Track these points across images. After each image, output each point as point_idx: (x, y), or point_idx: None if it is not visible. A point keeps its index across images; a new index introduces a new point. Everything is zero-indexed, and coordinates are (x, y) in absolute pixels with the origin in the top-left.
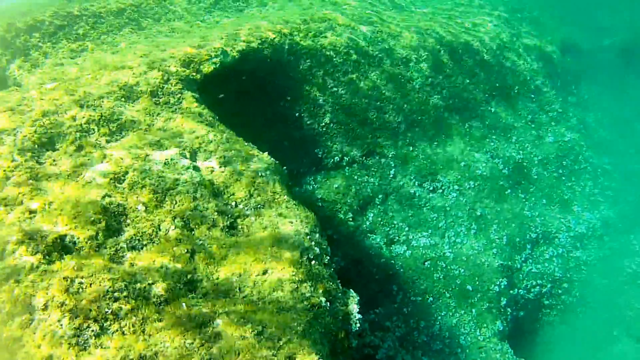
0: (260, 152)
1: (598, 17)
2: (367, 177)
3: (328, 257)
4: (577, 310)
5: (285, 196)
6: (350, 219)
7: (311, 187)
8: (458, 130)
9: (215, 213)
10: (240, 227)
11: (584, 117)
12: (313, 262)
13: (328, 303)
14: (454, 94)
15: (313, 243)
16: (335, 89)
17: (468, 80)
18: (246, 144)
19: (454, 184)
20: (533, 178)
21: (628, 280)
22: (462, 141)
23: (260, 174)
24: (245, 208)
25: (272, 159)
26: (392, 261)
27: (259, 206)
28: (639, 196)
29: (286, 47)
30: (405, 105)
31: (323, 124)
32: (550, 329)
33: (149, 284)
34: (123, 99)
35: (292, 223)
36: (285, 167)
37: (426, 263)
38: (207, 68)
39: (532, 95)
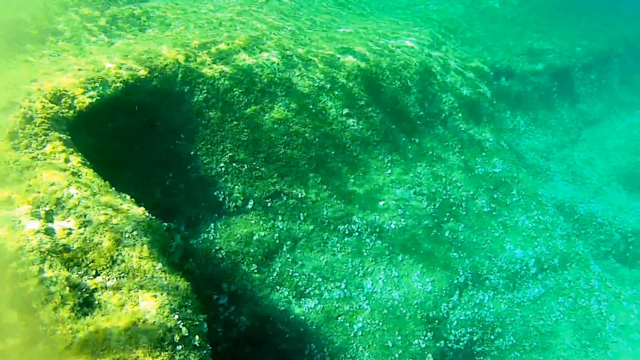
0: (134, 205)
1: (533, 40)
2: (273, 221)
3: (201, 337)
4: (512, 355)
5: (154, 262)
6: (255, 271)
7: (210, 236)
8: (377, 165)
9: (67, 288)
10: (96, 303)
11: (517, 145)
12: (178, 347)
13: None
14: (373, 124)
15: (180, 322)
16: (235, 122)
17: (389, 109)
18: (118, 195)
19: (372, 225)
20: (461, 215)
21: (562, 320)
22: (382, 177)
23: (126, 235)
24: (106, 279)
25: (146, 213)
26: (303, 317)
27: (122, 275)
28: (573, 229)
29: (179, 75)
30: (316, 139)
31: (222, 163)
32: None
33: None
34: None
35: (156, 297)
36: (165, 223)
37: (340, 318)
38: (82, 103)
39: (461, 124)
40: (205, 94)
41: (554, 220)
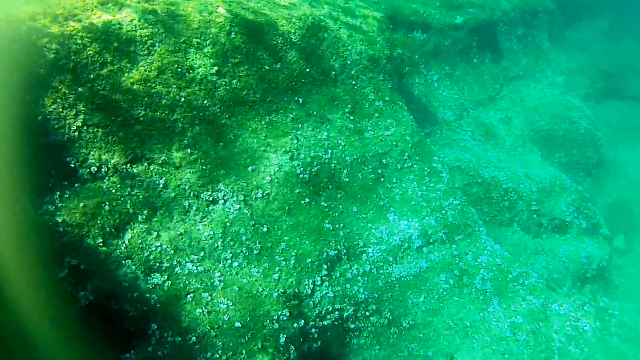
0: None
1: None
2: (129, 189)
3: None
4: (390, 331)
5: None
6: (101, 244)
7: (53, 207)
8: (252, 127)
9: None
10: None
11: (428, 101)
12: None
13: None
14: (249, 83)
15: None
16: (90, 84)
17: (268, 67)
18: None
19: (238, 193)
20: (343, 182)
21: (445, 297)
22: (255, 140)
23: None
24: None
25: None
26: (148, 294)
27: None
28: (473, 195)
29: (21, 35)
30: (182, 100)
31: (75, 127)
32: (362, 352)
33: None
34: None
35: None
36: None
37: (188, 296)
38: None
39: (355, 82)
40: (54, 55)
41: (448, 187)
